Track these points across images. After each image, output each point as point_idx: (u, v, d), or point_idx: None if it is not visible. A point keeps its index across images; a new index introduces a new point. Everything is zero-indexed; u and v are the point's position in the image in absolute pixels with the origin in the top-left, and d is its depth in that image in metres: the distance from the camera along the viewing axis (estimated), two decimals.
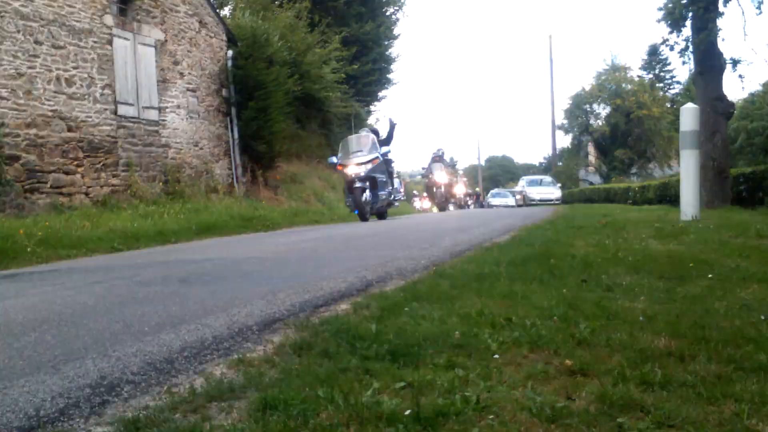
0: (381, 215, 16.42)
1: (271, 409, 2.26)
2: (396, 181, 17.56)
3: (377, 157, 15.17)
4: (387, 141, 17.07)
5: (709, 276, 4.68)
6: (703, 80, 15.73)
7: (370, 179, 14.94)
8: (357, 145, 15.38)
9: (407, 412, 2.23)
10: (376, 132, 17.03)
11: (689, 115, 9.03)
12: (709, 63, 15.52)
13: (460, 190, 34.43)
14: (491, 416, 2.26)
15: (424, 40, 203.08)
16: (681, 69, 65.50)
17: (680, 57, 16.33)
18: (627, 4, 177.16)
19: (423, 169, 29.83)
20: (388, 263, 5.73)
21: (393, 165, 17.28)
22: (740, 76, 20.71)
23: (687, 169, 8.95)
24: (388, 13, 33.38)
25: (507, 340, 3.11)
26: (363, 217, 14.72)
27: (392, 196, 16.64)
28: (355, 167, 14.77)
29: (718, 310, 3.81)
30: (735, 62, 15.98)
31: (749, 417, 2.27)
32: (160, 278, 5.49)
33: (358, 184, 14.58)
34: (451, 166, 30.61)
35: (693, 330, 3.32)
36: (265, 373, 2.69)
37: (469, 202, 39.03)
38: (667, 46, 16.50)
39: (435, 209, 29.89)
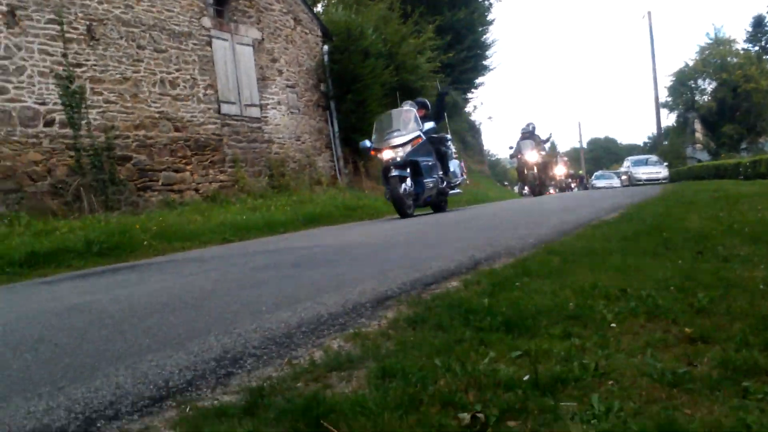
0: (437, 207, 13.83)
1: (390, 377, 2.31)
2: (453, 164, 14.32)
3: (419, 136, 12.19)
4: (437, 115, 14.31)
5: None
6: None
7: (411, 164, 11.99)
8: (395, 123, 12.43)
9: (525, 378, 2.24)
10: (425, 105, 14.24)
11: None
12: None
13: (560, 171, 32.53)
14: (611, 382, 2.24)
15: (520, 24, 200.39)
16: None
17: None
18: None
19: (510, 148, 24.42)
20: (495, 243, 5.71)
21: (449, 143, 14.53)
22: None
23: None
24: None
25: (623, 310, 3.06)
26: (402, 212, 11.64)
27: (444, 183, 13.41)
28: (391, 151, 11.85)
29: None
30: None
31: None
32: (272, 264, 5.64)
33: (394, 172, 11.56)
34: (545, 141, 24.87)
35: None
36: (381, 345, 2.74)
37: (572, 185, 38.14)
38: None
39: (527, 194, 25.15)
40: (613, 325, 2.86)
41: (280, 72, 17.14)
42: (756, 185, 11.79)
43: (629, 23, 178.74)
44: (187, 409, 2.20)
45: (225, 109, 14.85)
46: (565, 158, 38.02)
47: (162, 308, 3.88)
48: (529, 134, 23.29)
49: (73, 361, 2.84)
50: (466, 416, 1.99)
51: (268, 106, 16.44)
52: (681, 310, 3.06)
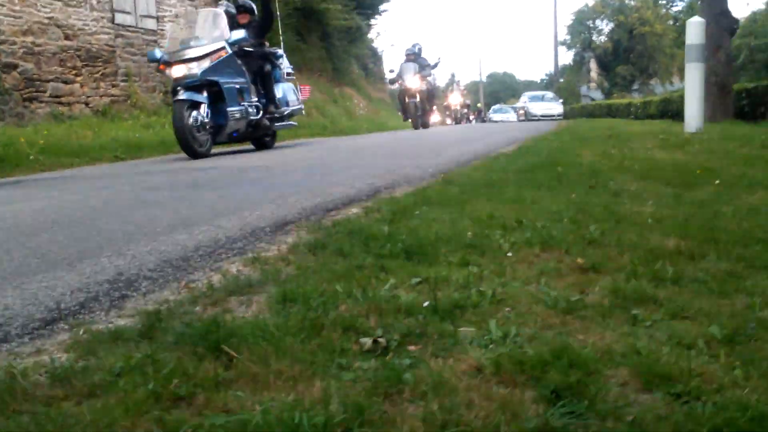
0: (259, 143, 11.19)
1: (291, 302, 2.30)
2: (283, 88, 11.37)
3: (223, 48, 9.35)
4: (263, 24, 11.19)
5: (716, 182, 4.70)
6: None
7: (209, 86, 9.12)
8: (196, 29, 9.69)
9: (425, 304, 2.27)
10: (250, 9, 11.11)
11: (695, 29, 8.93)
12: None
13: (455, 99, 31.71)
14: (507, 309, 2.30)
15: None
16: None
17: None
18: None
19: (391, 71, 21.71)
20: (395, 171, 5.74)
21: (280, 61, 11.67)
22: None
23: (691, 83, 8.89)
24: None
25: (518, 240, 3.14)
26: (190, 150, 8.64)
27: (263, 113, 10.34)
28: (183, 66, 9.00)
29: (726, 213, 3.85)
30: None
31: (761, 309, 2.32)
32: (167, 184, 5.51)
33: (181, 95, 8.81)
34: (433, 66, 21.46)
35: (702, 232, 3.35)
36: (281, 270, 2.72)
37: (471, 117, 38.49)
38: None
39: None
40: (509, 254, 2.93)
41: None
42: (646, 125, 12.20)
43: None
44: (81, 332, 2.13)
45: (119, 18, 14.19)
46: (464, 88, 37.88)
47: (50, 226, 3.73)
48: (414, 56, 20.25)
49: None
50: (367, 341, 2.00)
51: (165, 19, 15.80)
52: (574, 242, 3.15)
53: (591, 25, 52.04)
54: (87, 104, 13.08)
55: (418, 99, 19.11)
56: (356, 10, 27.89)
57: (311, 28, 24.60)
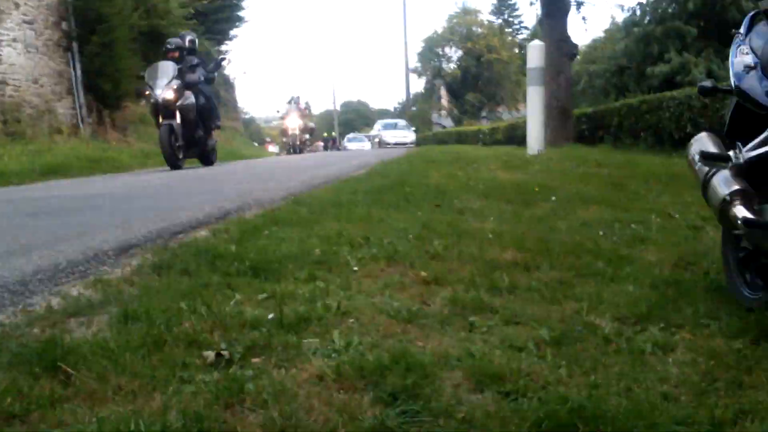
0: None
1: (133, 320, 2.27)
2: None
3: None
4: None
5: (552, 199, 4.98)
6: (549, 22, 16.23)
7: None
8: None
9: (270, 317, 2.30)
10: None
11: (535, 52, 9.39)
12: (555, 4, 16.03)
13: (293, 122, 28.65)
14: (351, 320, 2.37)
15: None
16: (528, 14, 67.69)
17: None
18: None
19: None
20: (246, 195, 5.73)
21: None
22: (583, 18, 21.58)
23: (532, 105, 9.35)
24: None
25: (365, 256, 3.23)
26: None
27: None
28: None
29: (560, 228, 4.10)
30: (579, 4, 16.63)
31: (588, 313, 2.50)
32: (6, 213, 5.26)
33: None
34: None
35: (537, 244, 3.56)
36: (124, 290, 2.68)
37: (317, 144, 38.40)
38: None
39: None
40: (355, 269, 3.01)
41: (17, 5, 15.68)
42: (491, 150, 12.70)
43: None
44: None
45: None
46: (305, 107, 33.46)
47: None
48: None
49: None
50: (210, 354, 2.02)
51: (2, 44, 15.04)
52: (418, 256, 3.28)
53: (441, 53, 53.50)
54: None
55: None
56: (205, 35, 27.56)
57: (159, 52, 24.09)
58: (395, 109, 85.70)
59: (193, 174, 10.04)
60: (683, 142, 7.94)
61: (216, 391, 1.76)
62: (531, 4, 16.84)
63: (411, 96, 52.71)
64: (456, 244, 3.52)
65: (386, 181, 6.13)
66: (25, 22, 15.76)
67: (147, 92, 11.82)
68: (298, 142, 27.83)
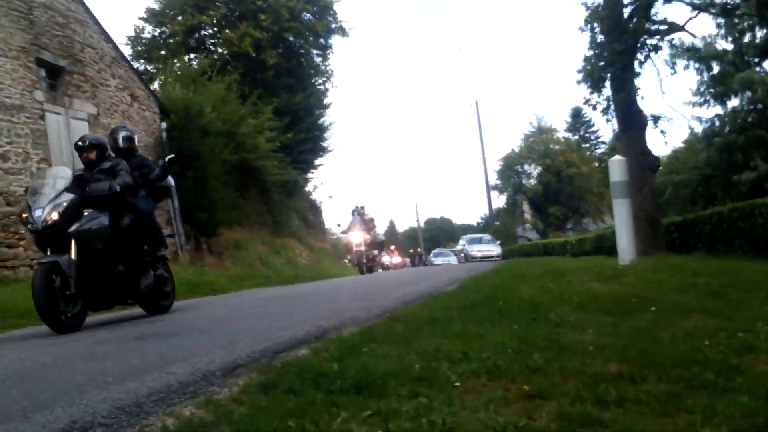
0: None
1: None
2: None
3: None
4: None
5: (652, 310, 4.88)
6: (627, 137, 16.30)
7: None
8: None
9: None
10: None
11: (617, 167, 9.43)
12: (631, 120, 16.10)
13: (356, 237, 25.26)
14: None
15: (359, 108, 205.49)
16: (604, 129, 68.03)
17: (603, 116, 16.90)
18: (549, 68, 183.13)
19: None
20: (341, 313, 5.81)
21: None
22: (662, 131, 21.63)
23: (620, 218, 9.29)
24: (317, 84, 34.07)
25: (465, 371, 3.21)
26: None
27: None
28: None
29: (664, 338, 3.99)
30: (656, 119, 16.65)
31: (702, 426, 2.42)
32: (115, 337, 5.47)
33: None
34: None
35: (641, 356, 3.47)
36: (233, 410, 2.73)
37: (390, 260, 38.41)
38: (589, 105, 17.05)
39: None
40: (457, 384, 2.99)
41: None
42: (581, 261, 12.57)
43: (462, 110, 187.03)
44: None
45: None
46: (369, 217, 33.70)
47: (1, 383, 3.70)
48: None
49: None
50: None
51: None
52: (519, 370, 3.25)
53: (520, 170, 53.96)
54: (31, 267, 12.91)
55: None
56: (292, 165, 28.59)
57: (249, 184, 25.06)
58: (478, 224, 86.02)
59: (279, 294, 10.21)
60: None
61: None
62: (607, 121, 16.89)
63: (493, 211, 52.95)
64: (557, 358, 3.48)
65: (478, 296, 6.13)
66: None
67: (24, 215, 7.11)
68: (364, 260, 23.34)
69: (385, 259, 32.85)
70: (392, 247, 43.90)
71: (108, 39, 17.28)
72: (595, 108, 16.56)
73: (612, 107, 16.38)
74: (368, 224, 24.72)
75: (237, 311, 7.33)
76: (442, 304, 5.74)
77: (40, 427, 2.64)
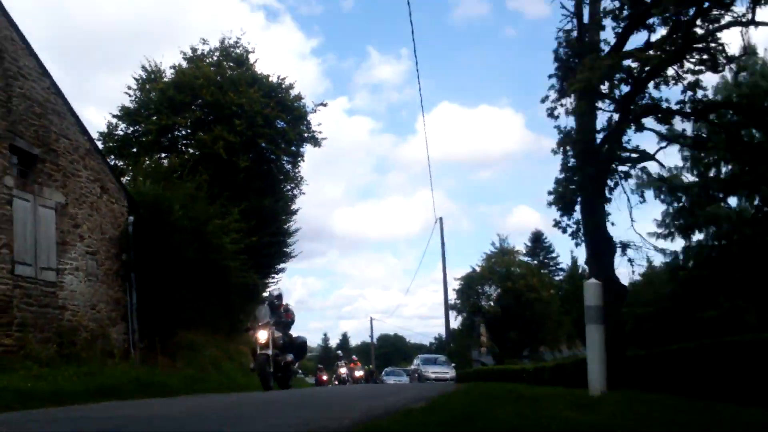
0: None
1: None
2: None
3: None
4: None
5: None
6: (596, 262, 16.39)
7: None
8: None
9: None
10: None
11: (592, 290, 9.37)
12: (600, 246, 16.23)
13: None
14: None
15: (324, 214, 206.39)
16: (564, 255, 69.02)
17: (572, 239, 16.98)
18: (511, 190, 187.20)
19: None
20: (310, 422, 5.63)
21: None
22: (630, 260, 21.70)
23: (593, 344, 9.18)
24: (286, 189, 34.37)
25: None
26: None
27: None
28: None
29: None
30: (624, 246, 16.81)
31: None
32: None
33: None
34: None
35: None
36: None
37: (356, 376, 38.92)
38: (560, 228, 17.13)
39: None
40: None
41: (82, 238, 16.56)
42: (545, 389, 12.42)
43: (424, 225, 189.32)
44: None
45: (19, 270, 13.99)
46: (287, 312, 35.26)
47: None
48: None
49: None
50: None
51: (65, 272, 15.69)
52: None
53: (480, 290, 53.92)
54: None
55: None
56: (254, 269, 28.42)
57: (211, 284, 24.71)
58: (431, 344, 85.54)
59: (241, 399, 9.93)
60: None
61: None
62: (577, 245, 17.02)
63: (451, 331, 52.69)
64: None
65: (454, 415, 5.99)
66: (88, 252, 16.61)
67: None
68: (271, 368, 15.80)
69: (342, 370, 32.79)
70: (354, 357, 43.95)
71: (84, 131, 17.38)
72: (565, 231, 16.65)
73: (582, 231, 16.55)
74: (282, 318, 16.85)
75: (195, 414, 7.07)
76: (418, 421, 5.60)
77: None
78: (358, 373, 39.57)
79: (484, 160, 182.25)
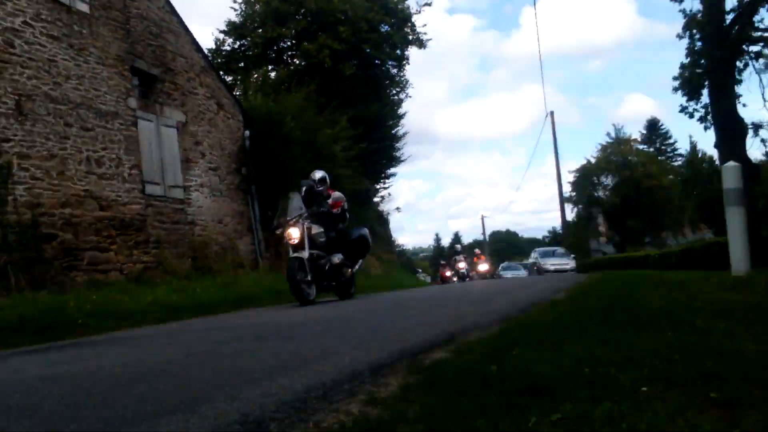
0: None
1: None
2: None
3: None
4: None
5: None
6: (726, 146, 15.74)
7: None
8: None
9: None
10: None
11: (731, 173, 8.99)
12: (731, 129, 15.54)
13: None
14: None
15: (431, 116, 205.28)
16: (682, 141, 66.55)
17: (701, 123, 16.36)
18: (625, 78, 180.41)
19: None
20: (459, 318, 5.62)
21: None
22: (762, 140, 20.66)
23: (733, 226, 8.86)
24: (392, 94, 34.10)
25: (638, 377, 2.99)
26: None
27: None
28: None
29: None
30: (757, 127, 16.05)
31: None
32: (233, 337, 5.40)
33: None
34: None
35: None
36: (406, 410, 2.57)
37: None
38: (686, 113, 16.53)
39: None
40: (644, 388, 2.77)
41: (203, 155, 16.99)
42: (682, 273, 12.07)
43: (536, 121, 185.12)
44: None
45: (149, 189, 14.55)
46: (477, 251, 39.35)
47: (144, 377, 3.64)
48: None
49: (80, 427, 2.60)
50: None
51: (191, 188, 16.20)
52: (695, 377, 3.00)
53: (596, 181, 52.76)
54: (121, 271, 13.17)
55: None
56: (365, 175, 28.62)
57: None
58: (544, 237, 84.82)
59: (377, 301, 10.09)
60: None
61: None
62: (705, 129, 16.33)
63: (566, 224, 52.06)
64: (728, 365, 3.22)
65: (602, 304, 5.86)
66: (210, 169, 16.94)
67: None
68: (306, 274, 17.59)
69: (461, 265, 32.14)
70: (477, 251, 42.34)
71: (198, 49, 17.61)
72: (692, 116, 16.05)
73: (710, 115, 15.86)
74: (325, 209, 12.15)
75: (342, 317, 7.19)
76: (565, 311, 5.51)
77: (212, 420, 2.52)
78: (483, 267, 37.07)
79: (594, 50, 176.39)
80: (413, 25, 32.24)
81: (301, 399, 2.78)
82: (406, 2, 32.07)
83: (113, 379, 3.67)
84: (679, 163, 60.18)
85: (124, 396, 3.13)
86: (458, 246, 38.07)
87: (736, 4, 14.63)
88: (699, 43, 14.88)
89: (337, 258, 11.55)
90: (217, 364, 3.89)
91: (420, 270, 48.44)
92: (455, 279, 32.52)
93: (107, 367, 4.13)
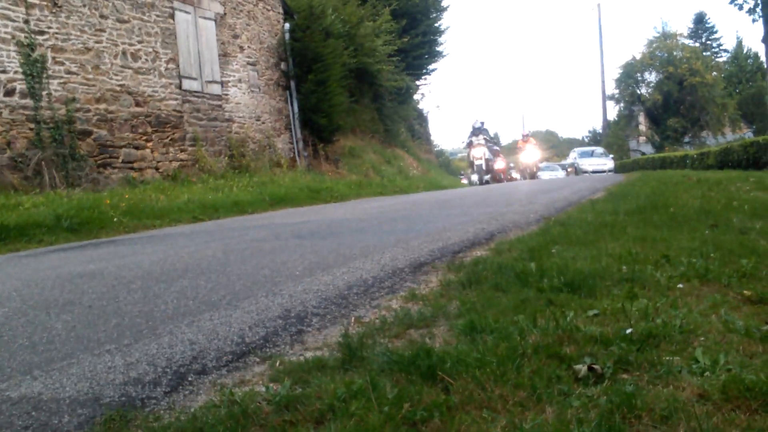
0: None
1: (479, 332, 2.24)
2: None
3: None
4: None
5: None
6: None
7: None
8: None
9: (628, 331, 2.20)
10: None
11: None
12: None
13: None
14: (701, 338, 2.22)
15: (472, 12, 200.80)
16: (729, 37, 64.48)
17: (749, 15, 15.83)
18: None
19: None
20: (498, 218, 5.68)
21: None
22: None
23: None
24: None
25: (674, 275, 3.05)
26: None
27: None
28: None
29: None
30: None
31: None
32: (271, 236, 5.50)
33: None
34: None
35: None
36: (445, 305, 2.66)
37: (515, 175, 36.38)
38: (735, 5, 15.99)
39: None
40: (680, 285, 2.84)
41: (242, 49, 16.80)
42: (720, 173, 11.97)
43: (580, 15, 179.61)
44: (277, 364, 2.10)
45: (186, 84, 14.48)
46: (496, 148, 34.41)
47: (184, 274, 3.74)
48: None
49: (122, 321, 2.71)
50: (582, 368, 1.94)
51: (229, 84, 16.11)
52: (729, 275, 3.06)
53: (640, 78, 51.47)
54: (157, 169, 13.27)
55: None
56: (405, 71, 28.20)
57: (364, 90, 24.89)
58: (584, 137, 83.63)
59: (419, 198, 10.17)
60: None
61: (606, 405, 1.67)
62: (753, 21, 15.80)
63: (608, 123, 51.28)
64: (761, 264, 3.26)
65: (639, 203, 5.87)
66: (248, 63, 16.77)
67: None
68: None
69: (476, 153, 27.32)
70: (525, 133, 38.29)
71: None
72: (741, 7, 15.52)
73: (760, 6, 15.34)
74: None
75: (379, 215, 7.28)
76: (604, 210, 5.54)
77: (254, 314, 2.63)
78: (532, 158, 31.42)
79: None
80: None
81: (343, 295, 2.88)
82: None
83: (153, 275, 3.79)
84: (724, 59, 58.51)
85: (165, 292, 3.23)
86: (478, 122, 24.26)
87: None
88: None
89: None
90: (257, 261, 3.99)
91: (462, 172, 48.11)
92: (474, 176, 24.75)
93: (146, 264, 4.24)
